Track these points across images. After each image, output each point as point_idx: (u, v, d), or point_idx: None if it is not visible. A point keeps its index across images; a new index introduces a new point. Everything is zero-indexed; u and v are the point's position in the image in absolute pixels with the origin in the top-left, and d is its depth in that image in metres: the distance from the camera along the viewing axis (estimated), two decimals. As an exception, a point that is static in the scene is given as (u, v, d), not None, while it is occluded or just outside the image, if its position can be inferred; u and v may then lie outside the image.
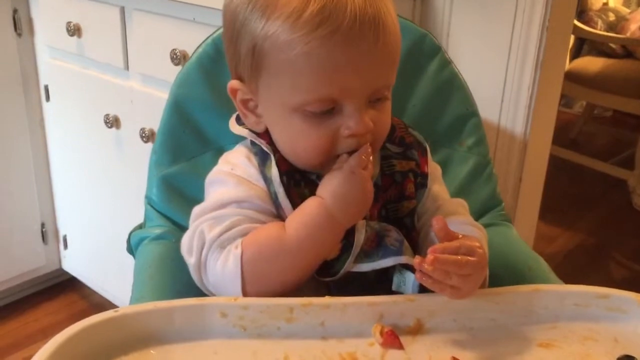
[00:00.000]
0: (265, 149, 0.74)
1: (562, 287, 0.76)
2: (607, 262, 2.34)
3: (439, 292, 0.67)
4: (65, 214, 1.91)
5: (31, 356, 0.57)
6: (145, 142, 1.44)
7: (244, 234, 0.70)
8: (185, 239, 0.73)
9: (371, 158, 0.70)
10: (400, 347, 0.66)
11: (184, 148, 0.94)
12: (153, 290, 0.82)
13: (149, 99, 1.45)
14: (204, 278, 0.71)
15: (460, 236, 0.69)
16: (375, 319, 0.68)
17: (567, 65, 2.72)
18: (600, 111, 3.53)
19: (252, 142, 0.76)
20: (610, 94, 2.67)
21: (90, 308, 1.94)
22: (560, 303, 0.72)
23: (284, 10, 0.65)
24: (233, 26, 0.71)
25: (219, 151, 0.85)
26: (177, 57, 1.30)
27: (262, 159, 0.74)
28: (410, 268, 0.70)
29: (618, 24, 2.92)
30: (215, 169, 0.78)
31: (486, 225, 0.88)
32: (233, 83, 0.74)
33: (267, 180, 0.73)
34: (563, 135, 3.16)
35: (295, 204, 0.72)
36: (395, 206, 0.78)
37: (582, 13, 2.91)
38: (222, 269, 0.69)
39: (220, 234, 0.70)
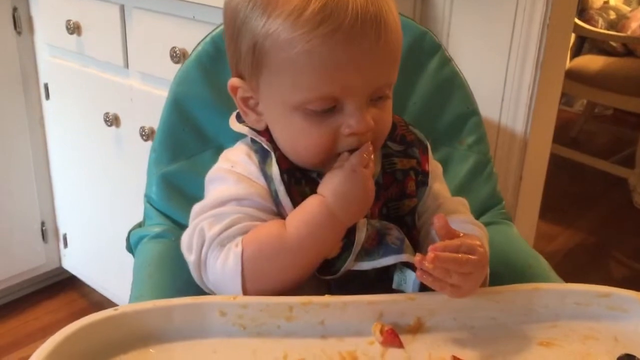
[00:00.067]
0: (266, 146, 0.74)
1: (563, 285, 0.76)
2: (608, 261, 2.34)
3: (440, 290, 0.67)
4: (65, 213, 1.91)
5: (31, 355, 0.57)
6: (145, 140, 1.44)
7: (244, 232, 0.70)
8: (185, 236, 0.73)
9: (372, 156, 0.70)
10: (400, 345, 0.66)
11: (184, 146, 0.94)
12: (152, 289, 0.82)
13: (149, 97, 1.44)
14: (204, 276, 0.71)
15: (461, 234, 0.69)
16: (375, 318, 0.68)
17: (568, 64, 2.72)
18: (600, 110, 3.53)
19: (253, 140, 0.76)
20: (611, 92, 2.67)
21: (90, 306, 1.94)
22: (560, 302, 0.72)
23: (285, 8, 0.65)
24: (234, 24, 0.71)
25: (219, 149, 0.84)
26: (177, 55, 1.30)
27: (263, 157, 0.74)
28: (411, 266, 0.70)
29: (619, 22, 2.92)
30: (216, 166, 0.78)
31: (486, 224, 0.88)
32: (233, 81, 0.74)
33: (267, 178, 0.73)
34: (563, 133, 3.15)
35: (295, 202, 0.72)
36: (396, 204, 0.78)
37: (583, 11, 2.91)
38: (222, 267, 0.69)
39: (221, 232, 0.70)
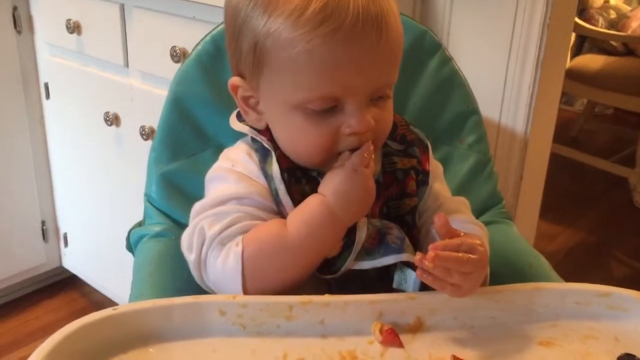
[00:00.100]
0: (266, 145, 0.74)
1: (563, 285, 0.76)
2: (608, 260, 2.34)
3: (440, 289, 0.67)
4: (66, 212, 1.90)
5: (31, 354, 0.57)
6: (145, 139, 1.44)
7: (244, 231, 0.70)
8: (185, 235, 0.73)
9: (373, 156, 0.70)
10: (400, 345, 0.66)
11: (183, 145, 0.93)
12: (152, 288, 0.82)
13: (149, 97, 1.44)
14: (204, 275, 0.71)
15: (462, 234, 0.69)
16: (375, 317, 0.68)
17: (568, 63, 2.72)
18: (601, 109, 3.53)
19: (253, 139, 0.76)
20: (611, 91, 2.67)
21: (90, 306, 1.94)
22: (560, 301, 0.72)
23: (286, 7, 0.65)
24: (235, 23, 0.71)
25: (219, 148, 0.84)
26: (177, 55, 1.30)
27: (263, 156, 0.74)
28: (411, 266, 0.70)
29: (619, 22, 2.92)
30: (216, 165, 0.78)
31: (487, 223, 0.88)
32: (234, 80, 0.74)
33: (267, 177, 0.73)
34: (564, 133, 3.15)
35: (296, 201, 0.72)
36: (397, 204, 0.78)
37: (583, 11, 2.90)
38: (223, 266, 0.69)
39: (221, 231, 0.70)
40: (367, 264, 0.71)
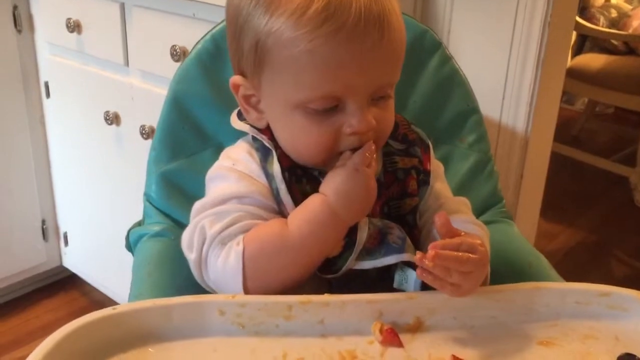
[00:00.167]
0: (267, 144, 0.74)
1: (563, 284, 0.76)
2: (609, 260, 2.34)
3: (440, 289, 0.67)
4: (66, 211, 1.90)
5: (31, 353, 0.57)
6: (146, 138, 1.44)
7: (245, 231, 0.70)
8: (186, 234, 0.73)
9: (375, 155, 0.70)
10: (400, 345, 0.66)
11: (183, 144, 0.93)
12: (152, 288, 0.82)
13: (149, 96, 1.44)
14: (205, 274, 0.71)
15: (462, 233, 0.69)
16: (375, 317, 0.68)
17: (569, 62, 2.72)
18: (602, 108, 3.53)
19: (254, 138, 0.76)
20: (612, 90, 2.66)
21: (90, 305, 1.94)
22: (561, 301, 0.72)
23: (288, 6, 0.65)
24: (236, 21, 0.70)
25: (219, 147, 0.84)
26: (177, 54, 1.30)
27: (264, 155, 0.74)
28: (412, 266, 0.70)
29: (620, 21, 2.91)
30: (217, 164, 0.77)
31: (487, 223, 0.88)
32: (235, 79, 0.74)
33: (268, 176, 0.73)
34: (565, 132, 3.15)
35: (296, 200, 0.72)
36: (398, 203, 0.78)
37: (584, 9, 2.90)
38: (223, 266, 0.69)
39: (222, 230, 0.70)
40: (368, 264, 0.71)
